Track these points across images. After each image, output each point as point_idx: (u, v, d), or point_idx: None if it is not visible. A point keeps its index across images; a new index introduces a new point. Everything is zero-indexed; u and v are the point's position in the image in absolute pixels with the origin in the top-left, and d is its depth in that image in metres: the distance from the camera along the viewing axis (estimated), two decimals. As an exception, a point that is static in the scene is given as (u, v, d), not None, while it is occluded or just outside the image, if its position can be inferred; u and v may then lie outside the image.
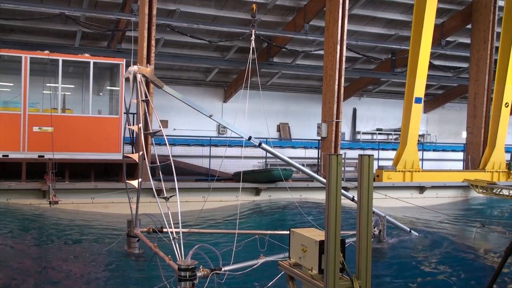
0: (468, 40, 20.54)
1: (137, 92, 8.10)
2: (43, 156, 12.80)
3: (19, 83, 12.99)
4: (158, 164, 7.36)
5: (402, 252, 9.47)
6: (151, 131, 8.00)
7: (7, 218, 11.15)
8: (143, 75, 8.15)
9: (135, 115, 14.10)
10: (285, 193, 15.05)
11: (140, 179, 8.50)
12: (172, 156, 7.42)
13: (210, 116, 8.45)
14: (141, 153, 8.18)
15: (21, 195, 12.54)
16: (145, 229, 8.80)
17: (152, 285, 6.98)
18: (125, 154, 9.77)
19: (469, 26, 19.96)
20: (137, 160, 8.33)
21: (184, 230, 7.04)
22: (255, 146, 8.67)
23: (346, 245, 4.98)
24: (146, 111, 8.38)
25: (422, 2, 16.36)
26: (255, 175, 15.02)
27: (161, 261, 7.03)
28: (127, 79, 8.66)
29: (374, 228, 8.84)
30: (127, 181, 8.66)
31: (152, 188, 7.51)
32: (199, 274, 6.22)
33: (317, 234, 5.20)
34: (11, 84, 14.75)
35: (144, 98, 8.04)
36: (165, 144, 7.56)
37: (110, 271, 8.33)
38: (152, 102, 11.89)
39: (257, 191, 15.00)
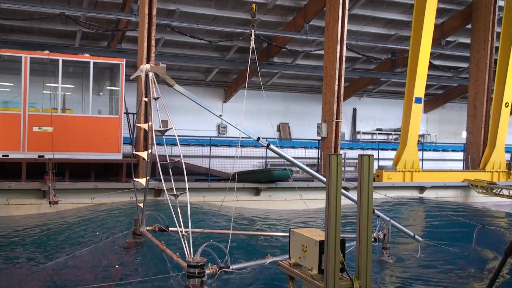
0: (468, 40, 20.54)
1: (148, 90, 8.13)
2: (43, 156, 12.80)
3: (19, 83, 12.98)
4: (169, 162, 7.40)
5: (405, 256, 9.47)
6: (161, 129, 8.03)
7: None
8: (155, 73, 8.19)
9: (135, 115, 14.15)
10: (285, 193, 15.07)
11: (148, 177, 8.57)
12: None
13: (220, 116, 8.47)
14: (150, 151, 8.24)
15: (21, 195, 12.53)
16: (151, 228, 8.83)
17: (157, 283, 7.01)
18: (134, 153, 9.79)
19: (469, 26, 19.97)
20: (146, 159, 8.41)
21: (194, 230, 7.08)
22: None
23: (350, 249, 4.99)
24: (157, 110, 8.38)
25: (422, 2, 16.36)
26: (255, 175, 15.02)
27: (169, 259, 7.07)
28: (135, 78, 8.68)
29: (379, 232, 8.84)
30: (135, 179, 8.72)
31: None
32: (207, 271, 6.27)
33: (317, 234, 5.21)
34: (11, 84, 14.75)
35: (155, 96, 8.09)
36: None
37: (113, 268, 8.31)
38: (152, 102, 11.87)
39: (257, 191, 15.00)
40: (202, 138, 17.88)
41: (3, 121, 12.80)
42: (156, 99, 8.09)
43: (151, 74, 8.09)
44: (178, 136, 7.77)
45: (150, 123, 8.21)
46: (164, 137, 8.03)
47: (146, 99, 8.38)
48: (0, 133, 12.72)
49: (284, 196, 15.11)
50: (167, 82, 8.14)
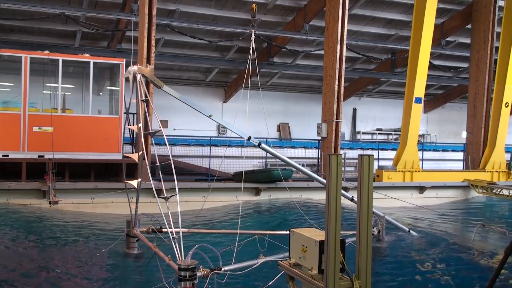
0: (468, 40, 20.54)
1: (137, 92, 8.10)
2: (43, 156, 12.80)
3: (19, 83, 12.98)
4: (158, 164, 7.34)
5: (400, 251, 9.46)
6: (151, 131, 7.99)
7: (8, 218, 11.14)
8: (143, 75, 8.14)
9: (135, 115, 14.15)
10: (285, 193, 15.06)
11: (139, 179, 8.49)
12: (172, 156, 7.41)
13: (209, 116, 8.44)
14: (140, 153, 8.18)
15: (21, 195, 12.53)
16: (145, 229, 8.79)
17: (151, 286, 6.98)
18: (124, 154, 9.74)
19: (469, 26, 19.96)
20: (137, 160, 8.33)
21: (184, 230, 7.04)
22: (254, 146, 8.68)
23: (345, 245, 4.98)
24: (146, 111, 8.37)
25: (422, 2, 16.36)
26: (255, 175, 15.02)
27: (161, 261, 7.03)
28: (126, 79, 8.67)
29: (373, 228, 8.84)
30: (126, 181, 8.64)
31: (151, 188, 7.50)
32: (199, 274, 6.22)
33: (317, 234, 5.20)
34: (11, 84, 14.75)
35: (144, 98, 8.04)
36: (165, 144, 7.56)
37: (109, 272, 8.32)
38: (152, 102, 11.90)
39: (257, 191, 15.00)
40: (202, 138, 17.88)
41: (3, 121, 12.80)
42: (144, 101, 8.04)
43: (138, 76, 8.05)
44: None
45: (139, 125, 8.16)
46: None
47: (134, 101, 8.34)
48: (0, 133, 12.72)
49: (284, 196, 15.10)
50: (156, 83, 8.12)
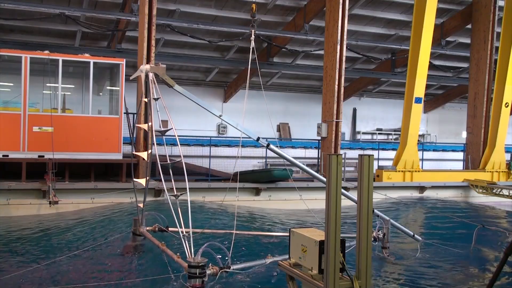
0: (468, 40, 20.55)
1: (148, 90, 8.14)
2: (43, 156, 12.80)
3: (19, 83, 12.98)
4: (169, 162, 7.40)
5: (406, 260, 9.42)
6: (162, 129, 8.04)
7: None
8: (155, 74, 8.19)
9: (135, 115, 14.15)
10: (285, 193, 15.07)
11: (148, 177, 8.57)
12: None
13: (219, 116, 8.47)
14: (150, 151, 8.25)
15: (21, 195, 12.52)
16: (151, 228, 8.83)
17: (158, 282, 7.01)
18: (134, 153, 9.78)
19: (469, 26, 19.97)
20: (146, 159, 8.41)
21: (195, 230, 7.08)
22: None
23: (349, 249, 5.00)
24: (157, 110, 8.39)
25: (422, 2, 16.36)
26: (255, 175, 15.02)
27: (169, 259, 7.08)
28: (135, 78, 8.68)
29: (378, 231, 8.84)
30: (134, 179, 8.71)
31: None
32: (208, 271, 6.28)
33: (317, 234, 5.21)
34: (11, 84, 14.74)
35: (155, 97, 8.09)
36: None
37: (115, 266, 8.32)
38: (152, 102, 11.89)
39: (257, 191, 15.00)
40: (202, 138, 17.88)
41: (3, 121, 12.80)
42: (156, 99, 8.10)
43: (151, 75, 8.10)
44: (178, 136, 7.77)
45: (150, 123, 8.21)
46: (164, 137, 8.03)
47: (146, 100, 8.40)
48: (0, 133, 12.72)
49: (284, 196, 15.12)
50: (167, 82, 8.15)
